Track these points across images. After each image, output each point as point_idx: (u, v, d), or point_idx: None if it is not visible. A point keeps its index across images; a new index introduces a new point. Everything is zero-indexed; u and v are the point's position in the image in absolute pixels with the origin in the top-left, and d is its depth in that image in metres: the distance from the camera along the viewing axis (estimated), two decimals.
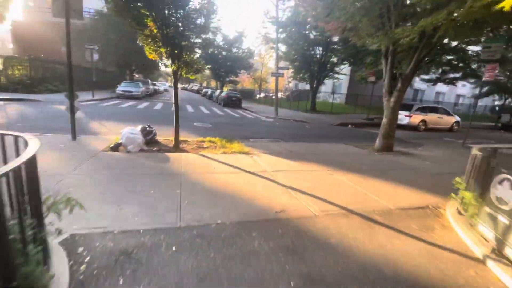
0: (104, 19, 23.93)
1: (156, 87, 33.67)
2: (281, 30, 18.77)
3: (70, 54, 5.82)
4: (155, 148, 5.74)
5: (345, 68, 23.06)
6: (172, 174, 4.03)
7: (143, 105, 16.22)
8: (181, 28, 5.53)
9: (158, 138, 6.54)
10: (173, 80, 6.07)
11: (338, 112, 21.06)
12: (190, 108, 17.33)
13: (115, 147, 5.31)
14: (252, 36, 79.93)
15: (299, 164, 5.37)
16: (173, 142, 6.08)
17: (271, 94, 41.76)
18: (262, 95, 41.32)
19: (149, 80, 31.45)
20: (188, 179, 3.89)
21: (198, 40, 6.02)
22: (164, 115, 12.20)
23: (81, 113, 10.21)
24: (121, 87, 19.77)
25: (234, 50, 38.43)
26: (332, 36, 9.53)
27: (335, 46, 19.09)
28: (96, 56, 16.02)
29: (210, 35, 6.23)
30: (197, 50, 6.17)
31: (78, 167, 3.96)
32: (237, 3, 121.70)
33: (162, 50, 5.66)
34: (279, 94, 20.59)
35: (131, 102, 16.91)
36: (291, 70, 22.88)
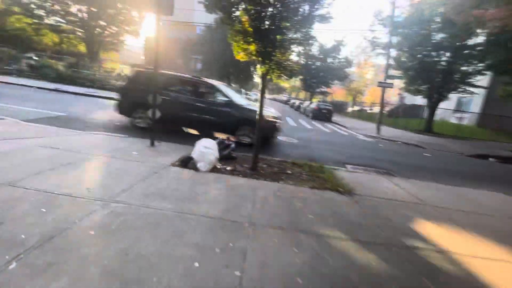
0: (211, 33, 26.33)
1: (248, 96, 35.02)
2: (395, 32, 15.58)
3: (156, 61, 5.45)
4: (228, 168, 4.62)
5: (481, 79, 17.32)
6: (236, 227, 2.63)
7: None
8: (278, 17, 4.25)
9: (236, 153, 5.47)
10: (260, 86, 4.85)
11: (466, 137, 15.81)
12: None
13: (185, 162, 4.46)
14: (352, 44, 74.77)
15: (448, 234, 3.10)
16: (251, 161, 4.83)
17: (366, 108, 36.98)
18: (356, 108, 37.09)
19: (243, 90, 32.96)
20: (258, 244, 2.40)
21: (296, 35, 4.62)
22: None
23: None
24: None
25: (329, 60, 36.08)
26: (494, 28, 6.42)
27: (471, 51, 14.36)
28: (199, 66, 17.23)
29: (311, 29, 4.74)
30: (294, 47, 4.78)
31: (129, 188, 3.11)
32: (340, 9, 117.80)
33: (252, 47, 4.53)
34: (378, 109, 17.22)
35: None
36: (401, 81, 18.94)
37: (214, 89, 7.45)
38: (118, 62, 29.58)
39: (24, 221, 2.16)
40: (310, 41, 4.66)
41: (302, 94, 64.36)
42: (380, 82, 15.11)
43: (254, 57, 4.66)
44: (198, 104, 7.09)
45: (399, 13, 16.43)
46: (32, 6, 26.91)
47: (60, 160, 3.71)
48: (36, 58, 21.57)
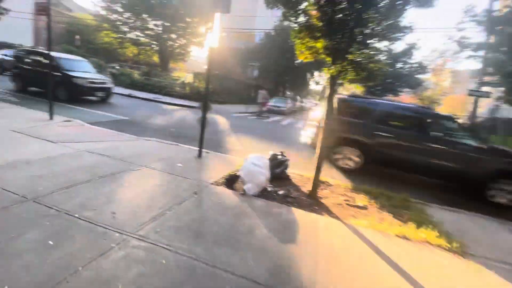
0: (270, 39, 26.21)
1: (303, 104, 33.80)
2: (492, 30, 12.57)
3: (209, 65, 4.99)
4: (281, 192, 3.75)
5: None
6: None
7: (287, 121, 15.46)
8: (359, 4, 3.24)
9: (290, 171, 4.58)
10: (326, 91, 3.88)
11: None
12: None
13: (231, 181, 3.77)
14: (427, 48, 66.34)
15: None
16: (310, 184, 3.87)
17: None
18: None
19: (298, 97, 31.94)
20: None
21: (380, 27, 3.53)
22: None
23: (227, 124, 10.25)
24: (272, 102, 20.39)
25: (398, 65, 32.18)
26: None
27: None
28: (255, 72, 17.00)
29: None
30: (375, 42, 3.68)
31: (161, 215, 2.52)
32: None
33: (320, 45, 3.62)
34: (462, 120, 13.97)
35: (276, 117, 16.67)
36: (495, 89, 15.23)
37: (456, 126, 5.60)
38: (185, 71, 32.07)
39: (18, 261, 1.69)
40: (400, 33, 3.51)
41: None
42: (472, 91, 12.25)
43: (321, 56, 3.75)
44: (434, 145, 5.24)
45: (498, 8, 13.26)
46: (118, 23, 31.16)
47: (100, 170, 3.42)
48: (118, 68, 24.66)
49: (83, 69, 9.93)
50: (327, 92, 3.80)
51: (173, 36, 33.37)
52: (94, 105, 9.58)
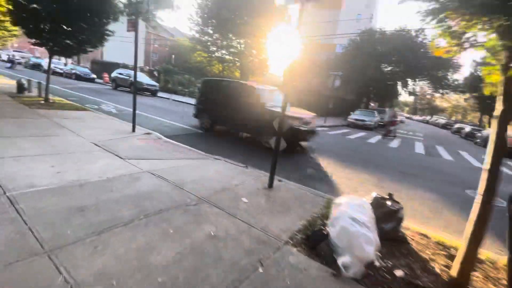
0: (354, 46, 23.82)
1: (400, 118, 29.19)
2: None
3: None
4: (399, 273, 2.25)
5: None
6: None
7: (375, 138, 13.01)
8: None
9: (404, 225, 2.99)
10: (499, 103, 2.19)
11: None
12: (444, 153, 11.52)
13: (314, 241, 2.50)
14: None
15: None
16: (444, 256, 2.23)
17: None
18: None
19: (386, 109, 27.83)
20: None
21: None
22: (409, 162, 8.12)
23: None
24: (354, 115, 18.00)
25: None
26: None
27: None
28: (337, 83, 15.27)
29: None
30: None
31: None
32: None
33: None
34: None
35: (361, 133, 14.36)
36: None
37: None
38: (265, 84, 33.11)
39: None
40: None
41: (472, 116, 47.60)
42: None
43: (489, 44, 2.15)
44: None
45: None
46: (208, 43, 34.59)
47: (150, 204, 2.75)
48: None
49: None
50: (499, 103, 2.13)
51: (254, 51, 34.83)
52: (178, 116, 10.02)
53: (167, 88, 23.86)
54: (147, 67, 34.34)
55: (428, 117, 55.69)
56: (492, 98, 2.21)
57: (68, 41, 8.09)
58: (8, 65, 25.16)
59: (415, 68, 22.74)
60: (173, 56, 23.40)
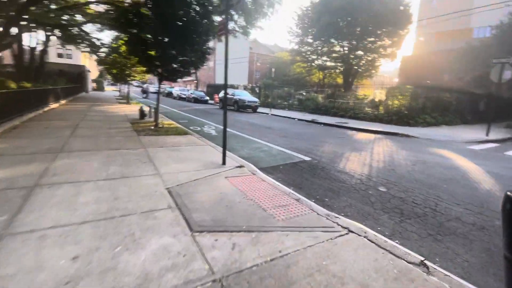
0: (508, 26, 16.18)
1: None
2: None
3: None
4: None
5: None
6: None
7: None
8: None
9: None
10: None
11: None
12: None
13: None
14: None
15: None
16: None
17: None
18: None
19: None
20: None
21: None
22: None
23: (477, 174, 5.37)
24: None
25: None
26: None
27: None
28: (509, 74, 10.01)
29: None
30: None
31: None
32: None
33: None
34: None
35: None
36: None
37: None
38: (371, 87, 28.09)
39: None
40: None
41: None
42: None
43: None
44: None
45: None
46: (308, 53, 32.93)
47: None
48: (304, 94, 25.25)
49: None
50: None
51: (360, 53, 30.51)
52: (276, 134, 8.49)
53: (267, 103, 23.51)
54: (250, 85, 36.08)
55: None
56: None
57: (174, 65, 8.04)
58: (144, 95, 31.81)
59: None
60: (273, 70, 22.82)
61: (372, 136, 10.09)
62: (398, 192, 4.00)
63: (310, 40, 31.81)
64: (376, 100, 19.31)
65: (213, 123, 11.30)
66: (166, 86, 42.35)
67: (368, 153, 6.59)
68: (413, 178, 4.75)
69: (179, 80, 9.57)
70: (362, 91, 29.37)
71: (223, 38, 4.55)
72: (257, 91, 27.59)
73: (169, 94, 34.88)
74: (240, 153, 5.86)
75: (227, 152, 4.98)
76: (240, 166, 4.70)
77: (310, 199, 3.52)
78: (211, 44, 8.41)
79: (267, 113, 18.07)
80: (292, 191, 3.65)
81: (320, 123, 13.48)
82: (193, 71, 8.56)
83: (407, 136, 10.22)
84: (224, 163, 4.76)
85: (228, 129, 5.11)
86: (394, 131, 11.00)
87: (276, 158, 5.67)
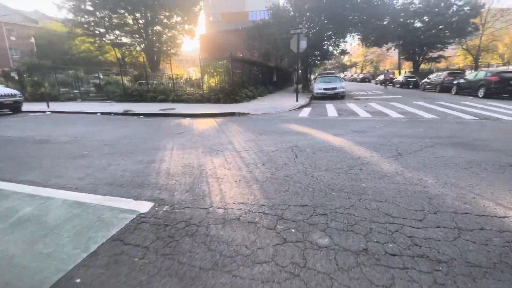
0: (275, 11, 20.15)
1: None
2: None
3: None
4: None
5: None
6: None
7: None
8: None
9: None
10: None
11: None
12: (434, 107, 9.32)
13: None
14: None
15: None
16: None
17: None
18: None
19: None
20: None
21: None
22: None
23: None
24: (320, 84, 14.74)
25: (437, 10, 25.90)
26: None
27: None
28: (304, 44, 11.26)
29: None
30: None
31: None
32: None
33: None
34: None
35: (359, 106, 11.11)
36: None
37: None
38: (179, 67, 26.31)
39: None
40: None
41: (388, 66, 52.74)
42: None
43: None
44: None
45: None
46: (92, 24, 25.11)
47: None
48: (102, 77, 18.98)
49: None
50: None
51: (159, 28, 27.42)
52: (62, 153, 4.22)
53: (39, 95, 15.33)
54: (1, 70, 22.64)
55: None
56: None
57: None
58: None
59: (345, 24, 20.82)
60: (33, 40, 14.77)
61: (212, 121, 8.12)
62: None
63: (91, 8, 24.10)
64: (192, 78, 17.80)
65: None
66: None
67: (235, 154, 4.40)
68: (345, 186, 3.13)
69: None
70: (176, 70, 27.06)
71: None
72: (16, 77, 17.39)
73: None
74: None
75: None
76: None
77: None
78: None
79: (44, 112, 11.34)
80: None
81: (139, 114, 9.75)
82: None
83: (244, 114, 9.26)
84: None
85: None
86: (229, 110, 9.74)
87: (50, 249, 2.03)
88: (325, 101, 13.38)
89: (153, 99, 13.64)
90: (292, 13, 21.71)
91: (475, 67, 29.40)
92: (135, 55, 30.95)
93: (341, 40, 24.17)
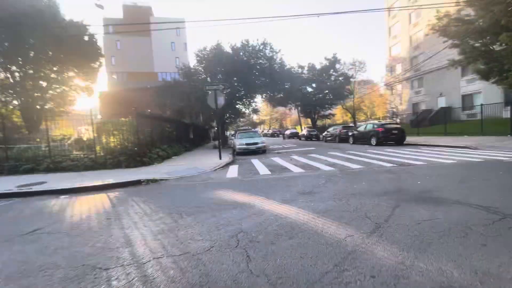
0: (185, 73, 20.31)
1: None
2: None
3: None
4: None
5: None
6: None
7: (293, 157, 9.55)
8: None
9: None
10: None
11: None
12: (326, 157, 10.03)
13: None
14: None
15: None
16: None
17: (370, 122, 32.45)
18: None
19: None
20: None
21: None
22: None
23: None
24: (240, 139, 14.11)
25: (323, 79, 32.31)
26: None
27: None
28: (221, 100, 10.64)
29: None
30: None
31: None
32: None
33: None
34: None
35: (276, 158, 10.49)
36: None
37: None
38: (71, 126, 21.33)
39: None
40: None
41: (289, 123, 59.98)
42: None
43: None
44: None
45: None
46: None
47: None
48: None
49: None
50: None
51: (43, 83, 22.69)
52: None
53: None
54: None
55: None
56: None
57: None
58: None
59: (254, 86, 22.79)
60: None
61: (104, 198, 5.56)
62: None
63: None
64: (85, 139, 14.22)
65: None
66: None
67: (135, 274, 2.36)
68: None
69: None
70: (59, 131, 21.82)
71: None
72: None
73: None
74: None
75: None
76: None
77: None
78: None
79: None
80: None
81: None
82: None
83: (155, 181, 7.09)
84: None
85: None
86: (133, 177, 7.35)
87: None
88: (249, 156, 12.61)
89: (15, 171, 9.51)
90: (203, 75, 22.12)
91: (354, 122, 36.82)
92: (4, 114, 23.91)
93: (252, 101, 25.89)
